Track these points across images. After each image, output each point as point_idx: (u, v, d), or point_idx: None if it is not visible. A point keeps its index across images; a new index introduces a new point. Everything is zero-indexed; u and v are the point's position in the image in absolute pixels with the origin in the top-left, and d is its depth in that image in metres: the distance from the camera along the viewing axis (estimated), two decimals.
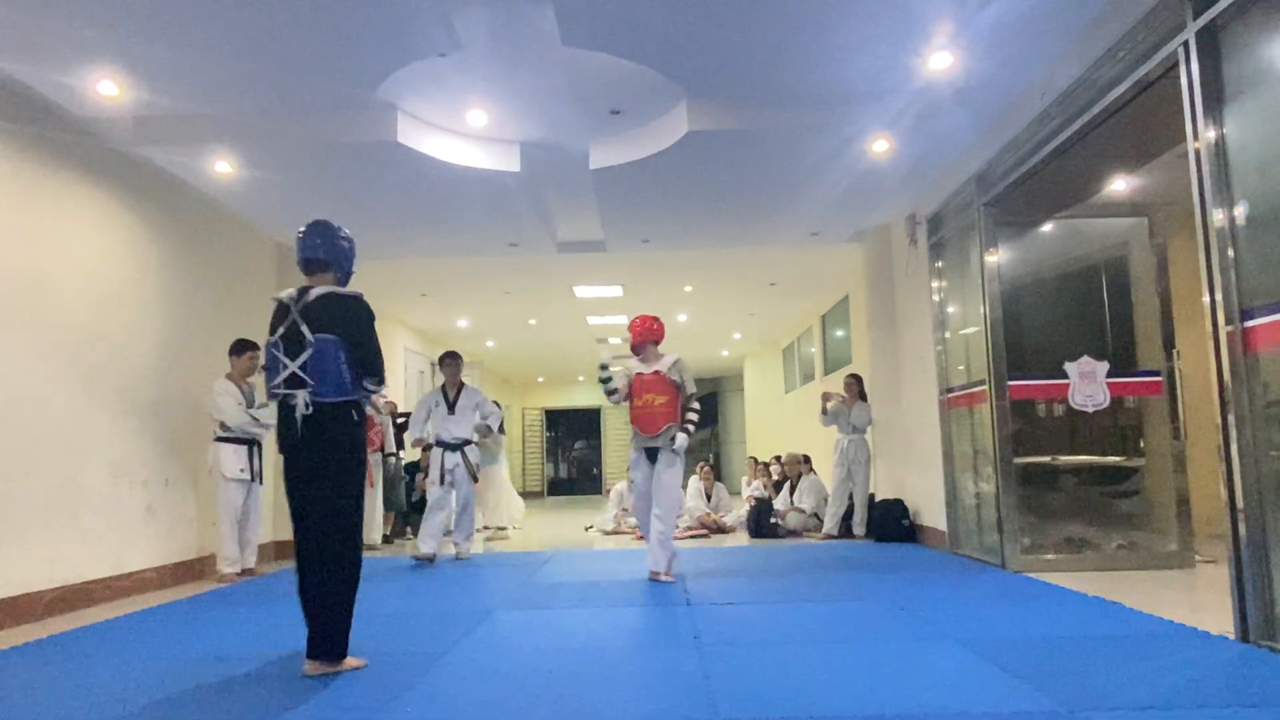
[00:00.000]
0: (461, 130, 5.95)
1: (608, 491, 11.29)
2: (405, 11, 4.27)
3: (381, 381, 3.55)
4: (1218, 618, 3.74)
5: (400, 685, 3.07)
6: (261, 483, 6.46)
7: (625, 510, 9.94)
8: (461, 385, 7.21)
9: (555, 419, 23.72)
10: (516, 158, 6.20)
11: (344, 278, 3.74)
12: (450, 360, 7.26)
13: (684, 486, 5.83)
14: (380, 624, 4.26)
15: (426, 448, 7.43)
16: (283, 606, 4.93)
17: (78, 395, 5.22)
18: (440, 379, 7.39)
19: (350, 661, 3.34)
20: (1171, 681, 2.87)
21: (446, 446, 7.01)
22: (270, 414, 6.36)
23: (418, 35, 4.52)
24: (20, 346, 4.78)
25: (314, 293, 3.47)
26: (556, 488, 23.40)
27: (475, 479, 7.10)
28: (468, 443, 7.10)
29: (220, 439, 6.22)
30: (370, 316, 3.54)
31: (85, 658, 3.73)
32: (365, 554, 3.50)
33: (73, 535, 5.07)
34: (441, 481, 6.95)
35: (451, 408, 7.07)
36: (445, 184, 6.42)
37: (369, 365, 3.46)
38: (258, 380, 6.52)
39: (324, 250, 3.66)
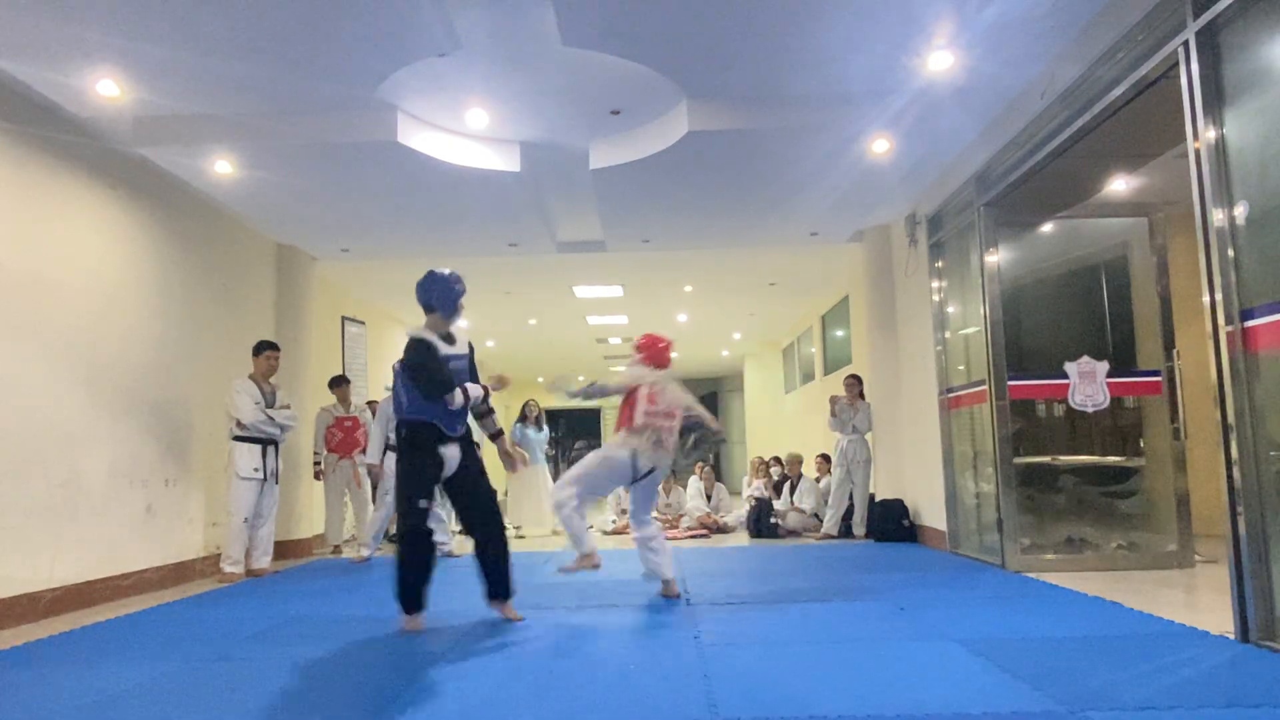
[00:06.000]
0: (461, 130, 5.95)
1: None
2: (405, 11, 4.27)
3: None
4: (1218, 618, 3.74)
5: (400, 685, 3.07)
6: (277, 483, 6.47)
7: (624, 512, 9.93)
8: None
9: (555, 419, 23.72)
10: (516, 158, 6.20)
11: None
12: None
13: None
14: (380, 624, 4.26)
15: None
16: (283, 606, 4.93)
17: (78, 395, 5.22)
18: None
19: None
20: (1171, 681, 2.87)
21: None
22: (288, 416, 6.41)
23: (418, 35, 4.52)
24: (20, 346, 4.78)
25: None
26: None
27: None
28: None
29: (236, 438, 6.23)
30: None
31: (85, 658, 3.72)
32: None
33: (73, 535, 5.07)
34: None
35: None
36: (445, 184, 6.42)
37: None
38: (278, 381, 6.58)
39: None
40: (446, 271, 4.24)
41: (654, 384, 4.80)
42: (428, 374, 3.99)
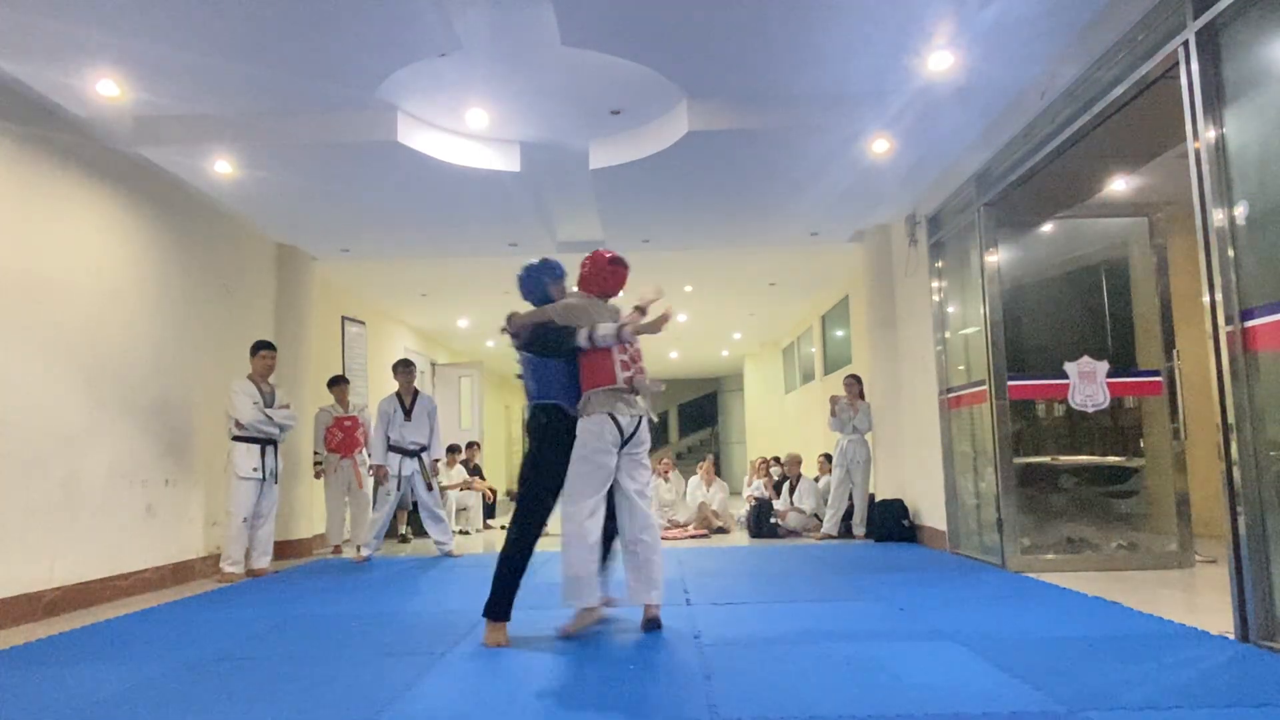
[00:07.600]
0: (461, 130, 5.95)
1: None
2: (405, 11, 4.27)
3: None
4: (1218, 618, 3.74)
5: (400, 685, 3.07)
6: (277, 482, 6.47)
7: None
8: (416, 392, 7.40)
9: None
10: (516, 158, 6.20)
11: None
12: (404, 368, 7.46)
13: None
14: (380, 624, 4.26)
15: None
16: (283, 606, 4.93)
17: (77, 395, 5.22)
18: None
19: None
20: (1171, 681, 2.87)
21: (404, 453, 7.13)
22: (286, 416, 6.41)
23: (418, 35, 4.52)
24: (20, 346, 4.78)
25: None
26: None
27: (430, 486, 7.24)
28: (424, 448, 7.30)
29: (235, 438, 6.24)
30: None
31: (85, 658, 3.73)
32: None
33: (73, 535, 5.07)
34: (399, 487, 7.10)
35: (408, 414, 7.24)
36: (445, 184, 6.42)
37: None
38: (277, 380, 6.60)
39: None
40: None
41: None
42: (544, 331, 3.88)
